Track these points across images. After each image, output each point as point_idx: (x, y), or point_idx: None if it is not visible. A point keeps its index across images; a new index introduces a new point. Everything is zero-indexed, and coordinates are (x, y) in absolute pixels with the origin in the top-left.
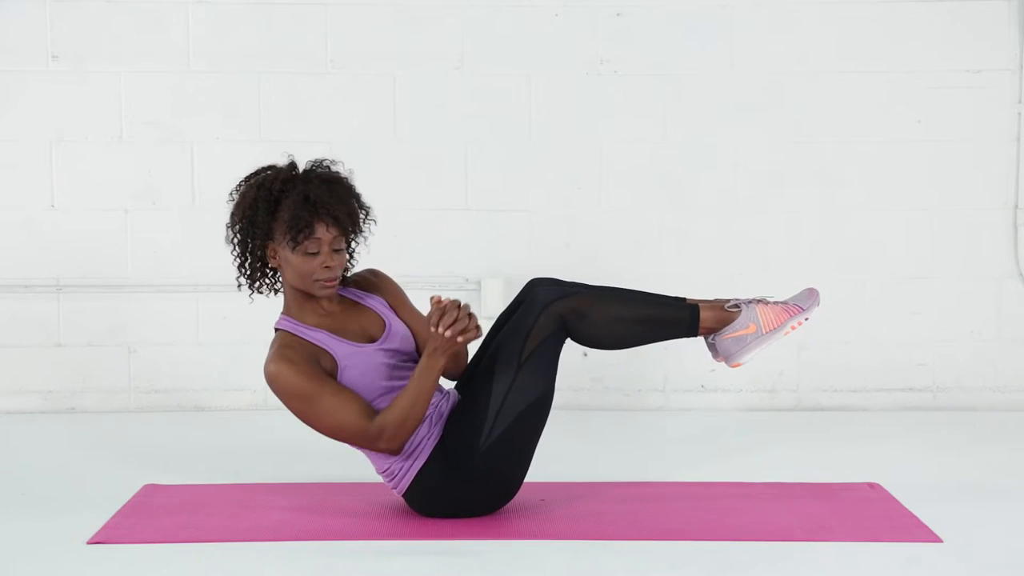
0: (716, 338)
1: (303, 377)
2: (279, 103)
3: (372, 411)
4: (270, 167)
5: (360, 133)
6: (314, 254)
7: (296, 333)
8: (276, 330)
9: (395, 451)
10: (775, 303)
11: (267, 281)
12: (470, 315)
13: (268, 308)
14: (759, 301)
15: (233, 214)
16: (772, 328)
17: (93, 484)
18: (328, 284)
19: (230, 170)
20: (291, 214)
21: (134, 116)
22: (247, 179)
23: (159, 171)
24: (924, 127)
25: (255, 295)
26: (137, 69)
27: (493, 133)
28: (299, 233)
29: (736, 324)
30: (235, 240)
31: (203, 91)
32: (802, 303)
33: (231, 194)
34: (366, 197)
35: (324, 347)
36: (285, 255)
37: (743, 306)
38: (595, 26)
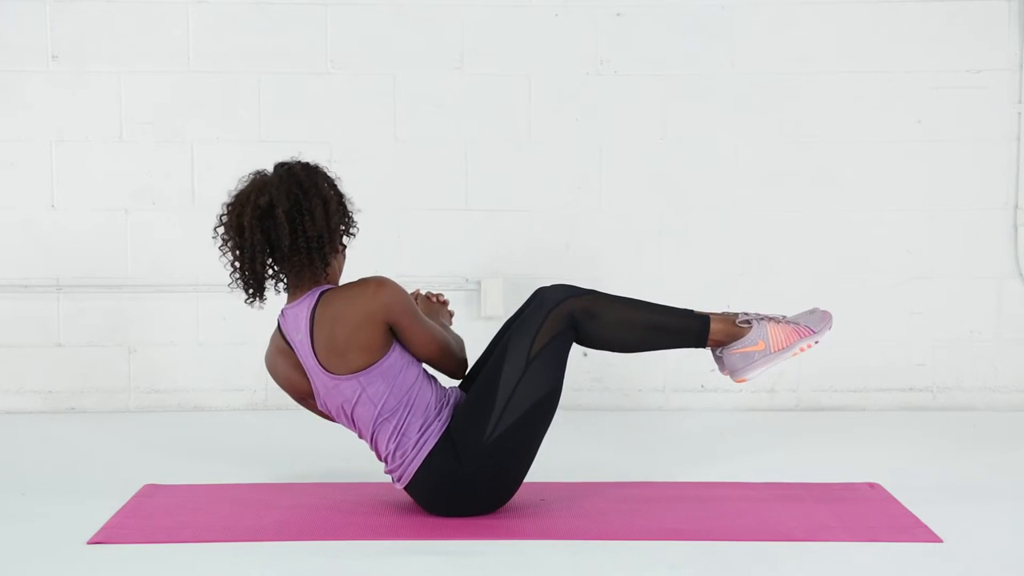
0: (723, 352)
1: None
2: (279, 103)
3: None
4: (301, 162)
5: (360, 133)
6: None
7: None
8: (326, 290)
9: (464, 370)
10: (787, 322)
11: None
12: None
13: (268, 308)
14: (771, 319)
15: (321, 205)
16: (781, 348)
17: (93, 484)
18: None
19: (230, 170)
20: (346, 201)
21: (134, 116)
22: (310, 179)
23: (159, 171)
24: (924, 127)
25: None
26: (137, 69)
27: (493, 133)
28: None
29: (745, 340)
30: (328, 229)
31: (203, 91)
32: (814, 325)
33: (291, 198)
34: (366, 198)
35: None
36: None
37: (754, 322)
38: (595, 26)
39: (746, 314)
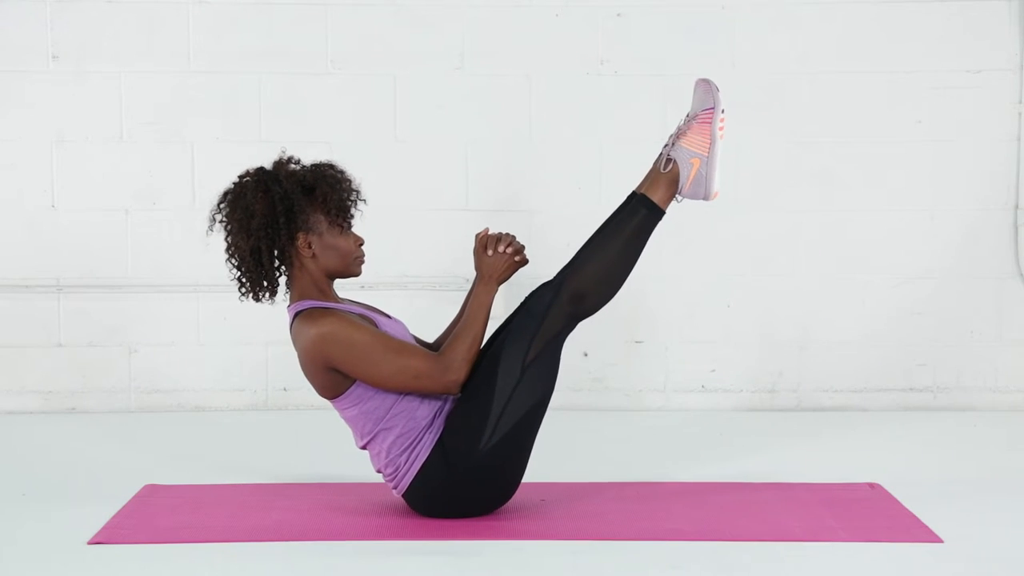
0: (681, 196)
1: (356, 328)
2: (279, 103)
3: (428, 351)
4: (251, 171)
5: (360, 133)
6: (350, 231)
7: (328, 305)
8: (298, 312)
9: (459, 385)
10: (689, 125)
11: (274, 284)
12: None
13: (268, 308)
14: (678, 135)
15: (244, 220)
16: (709, 146)
17: (93, 484)
18: (363, 257)
19: (230, 170)
20: (337, 196)
21: (134, 116)
22: (239, 190)
23: (159, 171)
24: (924, 127)
25: (262, 301)
26: (137, 69)
27: (493, 133)
28: (348, 212)
29: (683, 174)
30: (248, 247)
31: (203, 91)
32: (707, 103)
33: (219, 211)
34: (366, 197)
35: (361, 312)
36: (328, 240)
37: (673, 155)
38: (595, 26)
39: (662, 154)
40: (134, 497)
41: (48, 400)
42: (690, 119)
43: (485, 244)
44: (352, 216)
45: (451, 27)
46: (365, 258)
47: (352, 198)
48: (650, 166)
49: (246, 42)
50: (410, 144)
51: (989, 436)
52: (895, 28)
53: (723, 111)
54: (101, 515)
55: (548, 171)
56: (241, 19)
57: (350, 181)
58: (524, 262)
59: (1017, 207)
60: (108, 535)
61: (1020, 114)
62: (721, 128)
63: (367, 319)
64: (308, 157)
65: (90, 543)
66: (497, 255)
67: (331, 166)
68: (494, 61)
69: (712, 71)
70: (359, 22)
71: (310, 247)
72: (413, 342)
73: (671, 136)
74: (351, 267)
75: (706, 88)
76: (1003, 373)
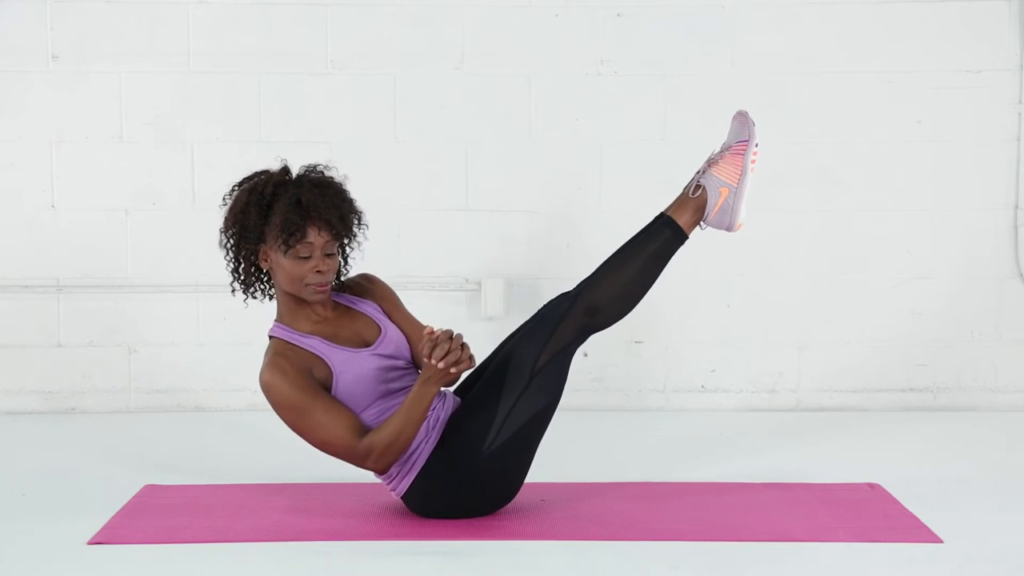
0: (705, 224)
1: (295, 389)
2: (279, 103)
3: (363, 428)
4: (263, 172)
5: (360, 133)
6: (305, 258)
7: (290, 340)
8: (270, 338)
9: (381, 471)
10: (722, 155)
11: (261, 286)
12: (463, 346)
13: (268, 308)
14: (710, 163)
15: (226, 218)
16: (739, 177)
17: (93, 484)
18: (319, 289)
19: (230, 170)
20: (283, 218)
21: (134, 116)
22: (240, 183)
23: (159, 171)
24: (924, 127)
25: (249, 300)
26: (137, 69)
27: (493, 133)
28: (290, 237)
29: (711, 202)
30: (228, 244)
31: (203, 91)
32: (743, 135)
33: (224, 198)
34: (366, 198)
35: (318, 354)
36: (277, 259)
37: (703, 182)
38: (595, 26)
39: (693, 180)
40: (134, 497)
41: (48, 400)
42: (724, 149)
43: (432, 344)
44: (296, 243)
45: (451, 27)
46: (324, 289)
47: (303, 225)
48: (681, 191)
49: (246, 42)
50: (410, 144)
51: (989, 436)
52: (895, 28)
53: (757, 145)
54: (101, 515)
55: (548, 171)
56: (241, 19)
57: (321, 210)
58: (467, 369)
59: (1017, 207)
60: (108, 535)
61: (1020, 114)
62: (753, 161)
63: (322, 362)
64: (308, 157)
65: (90, 543)
66: (428, 367)
67: (321, 186)
68: (494, 61)
69: (712, 71)
70: (359, 22)
71: (267, 260)
72: (375, 379)
73: (704, 163)
74: (301, 292)
75: (742, 120)
76: (1003, 373)
